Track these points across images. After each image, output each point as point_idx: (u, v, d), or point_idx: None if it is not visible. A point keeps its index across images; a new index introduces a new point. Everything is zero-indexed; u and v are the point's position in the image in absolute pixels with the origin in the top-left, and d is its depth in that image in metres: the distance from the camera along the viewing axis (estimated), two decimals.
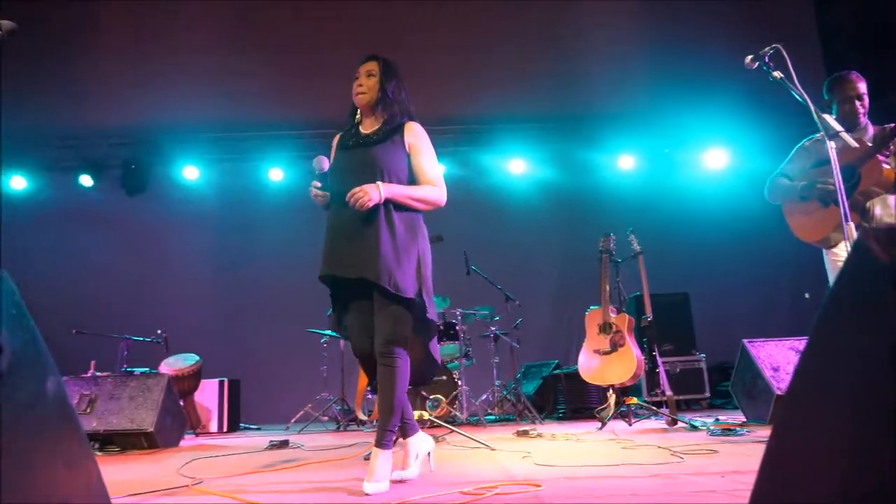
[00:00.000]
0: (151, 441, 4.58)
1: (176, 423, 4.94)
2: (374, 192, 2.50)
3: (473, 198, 8.29)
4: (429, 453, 2.78)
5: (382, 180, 2.58)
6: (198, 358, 6.36)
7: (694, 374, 6.70)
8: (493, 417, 6.33)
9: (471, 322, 6.53)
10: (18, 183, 8.39)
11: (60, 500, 0.95)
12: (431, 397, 5.69)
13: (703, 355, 6.79)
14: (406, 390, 2.58)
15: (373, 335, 2.55)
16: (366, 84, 2.72)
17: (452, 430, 4.24)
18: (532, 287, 7.76)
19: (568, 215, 8.13)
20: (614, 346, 4.84)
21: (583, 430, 4.66)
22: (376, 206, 2.53)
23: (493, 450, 3.69)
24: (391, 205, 2.58)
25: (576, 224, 7.88)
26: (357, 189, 2.50)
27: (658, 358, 4.97)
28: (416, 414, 4.13)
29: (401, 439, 2.73)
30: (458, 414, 5.74)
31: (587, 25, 8.30)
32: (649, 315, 5.01)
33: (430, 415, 4.34)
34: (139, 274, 8.04)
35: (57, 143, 8.37)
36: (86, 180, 8.41)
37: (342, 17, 7.97)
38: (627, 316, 5.02)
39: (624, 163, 8.42)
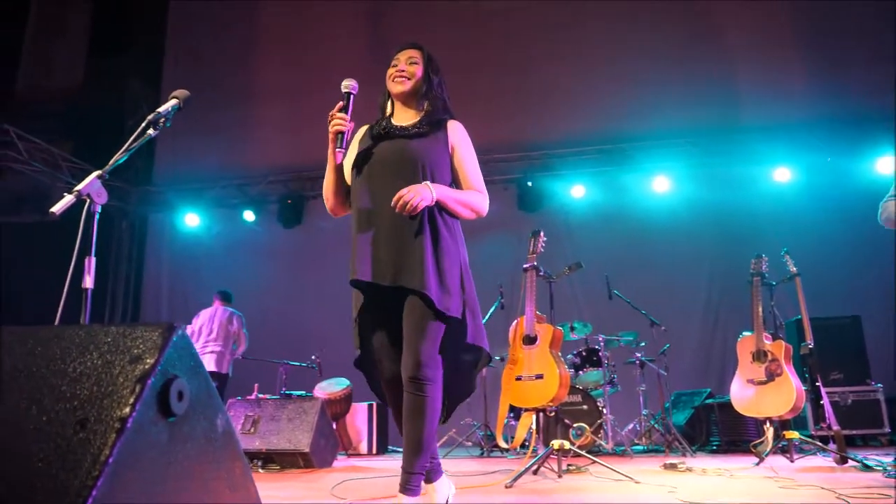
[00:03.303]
0: (307, 461, 4.95)
1: (329, 444, 5.30)
2: (425, 193, 2.20)
3: (614, 219, 8.17)
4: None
5: (425, 178, 2.29)
6: (348, 382, 6.77)
7: (869, 406, 6.11)
8: (640, 448, 6.17)
9: (614, 348, 6.43)
10: (192, 220, 9.41)
11: None
12: (575, 425, 5.66)
13: (881, 385, 6.17)
14: (437, 425, 2.24)
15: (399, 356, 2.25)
16: (408, 70, 2.42)
17: (594, 461, 4.21)
18: (679, 311, 7.49)
19: (716, 234, 7.76)
20: (770, 376, 4.57)
21: (737, 466, 4.43)
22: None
23: (637, 483, 3.62)
24: (436, 208, 2.29)
25: (725, 244, 7.53)
26: (406, 190, 2.17)
27: (822, 389, 4.62)
28: (557, 443, 4.15)
29: (423, 484, 2.28)
30: (602, 443, 5.65)
31: (735, 33, 7.98)
32: (810, 341, 4.68)
33: (573, 444, 4.33)
34: (295, 303, 8.67)
35: (223, 183, 9.32)
36: (248, 216, 9.25)
37: (483, 40, 8.23)
38: (784, 343, 4.72)
39: (780, 175, 7.91)
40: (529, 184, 8.50)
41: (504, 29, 8.51)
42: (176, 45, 9.65)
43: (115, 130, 9.08)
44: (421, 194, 2.18)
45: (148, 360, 0.95)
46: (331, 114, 2.33)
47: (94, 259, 2.27)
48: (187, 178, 9.35)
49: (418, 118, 2.43)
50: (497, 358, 6.39)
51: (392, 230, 2.24)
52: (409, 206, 2.15)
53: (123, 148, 2.38)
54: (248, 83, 9.26)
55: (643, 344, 6.34)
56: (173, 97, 2.52)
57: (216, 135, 9.00)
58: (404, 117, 2.46)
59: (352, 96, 2.38)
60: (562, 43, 8.49)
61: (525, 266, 4.71)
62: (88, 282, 2.23)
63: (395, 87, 2.43)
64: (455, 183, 2.45)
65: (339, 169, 2.43)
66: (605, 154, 8.41)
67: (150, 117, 2.44)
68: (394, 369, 2.29)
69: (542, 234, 4.79)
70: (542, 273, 4.94)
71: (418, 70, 2.43)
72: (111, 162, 2.35)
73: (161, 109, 2.45)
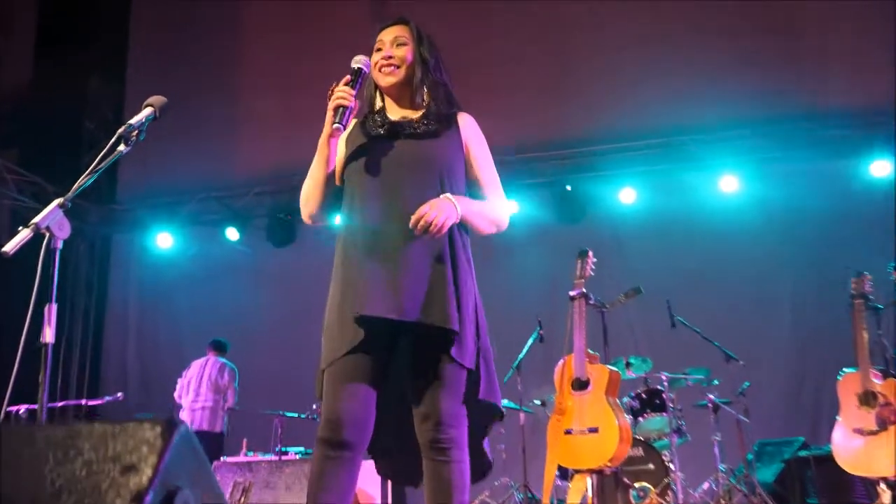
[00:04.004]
0: None
1: None
2: (450, 210, 2.13)
3: (674, 228, 8.03)
4: None
5: (443, 187, 2.22)
6: None
7: None
8: None
9: (681, 388, 6.30)
10: (164, 241, 9.40)
11: None
12: (637, 486, 5.53)
13: None
14: (468, 496, 2.17)
15: (369, 406, 2.17)
16: (396, 56, 2.33)
17: None
18: (760, 342, 7.37)
19: (801, 246, 7.62)
20: (883, 424, 4.41)
21: None
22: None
23: None
24: (455, 226, 2.21)
25: (814, 257, 7.42)
26: (427, 207, 2.08)
27: None
28: None
29: None
30: None
31: (817, 11, 7.90)
32: None
33: None
34: (290, 338, 8.58)
35: (202, 196, 9.30)
36: (232, 233, 9.22)
37: (510, 25, 8.22)
38: None
39: (878, 170, 7.73)
40: (568, 188, 8.42)
41: (537, 9, 8.49)
42: (142, 36, 9.70)
43: (70, 136, 9.12)
44: (446, 212, 2.10)
45: (145, 471, 0.88)
46: (332, 88, 2.28)
47: (55, 307, 2.23)
48: (158, 192, 9.34)
49: (420, 113, 2.35)
50: (537, 402, 6.31)
51: (413, 252, 2.15)
52: (433, 226, 2.06)
53: (89, 169, 2.36)
54: (230, 80, 9.27)
55: (716, 382, 6.20)
56: (148, 105, 2.53)
57: (193, 140, 8.98)
58: (400, 112, 2.39)
59: (363, 73, 2.34)
60: (602, 20, 8.45)
61: (572, 293, 4.64)
62: (49, 335, 2.19)
63: (384, 79, 2.36)
64: (469, 189, 2.38)
65: (330, 160, 2.34)
66: (659, 150, 8.29)
67: (120, 131, 2.42)
68: (354, 416, 2.17)
69: (590, 254, 4.74)
70: (592, 301, 4.86)
71: (408, 53, 2.35)
72: (75, 187, 2.33)
73: (133, 121, 2.45)
